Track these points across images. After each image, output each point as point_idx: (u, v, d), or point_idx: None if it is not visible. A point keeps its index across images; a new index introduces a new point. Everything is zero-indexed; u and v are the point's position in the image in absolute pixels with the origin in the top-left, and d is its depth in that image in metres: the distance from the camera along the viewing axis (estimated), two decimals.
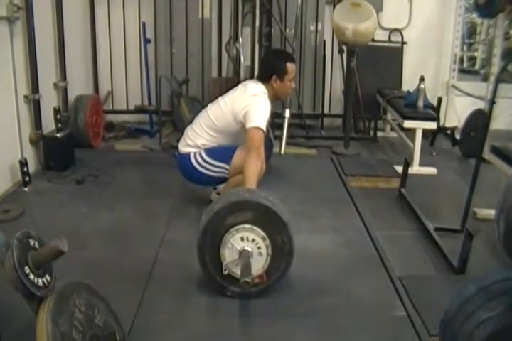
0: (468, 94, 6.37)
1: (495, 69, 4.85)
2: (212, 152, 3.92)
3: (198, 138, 3.93)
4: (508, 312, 1.96)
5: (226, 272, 2.90)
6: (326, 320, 2.85)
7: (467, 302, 2.03)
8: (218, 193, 4.18)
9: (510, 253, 2.78)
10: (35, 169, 4.89)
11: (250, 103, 3.78)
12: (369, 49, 6.06)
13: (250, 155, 3.62)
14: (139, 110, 6.41)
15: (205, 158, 3.91)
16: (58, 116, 5.01)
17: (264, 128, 3.71)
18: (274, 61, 4.04)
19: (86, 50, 6.37)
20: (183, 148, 4.00)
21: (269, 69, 3.96)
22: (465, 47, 10.41)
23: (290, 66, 3.99)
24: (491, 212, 3.70)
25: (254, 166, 3.59)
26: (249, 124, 3.68)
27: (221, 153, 3.92)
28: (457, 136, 5.97)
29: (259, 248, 2.88)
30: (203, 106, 4.26)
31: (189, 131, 4.03)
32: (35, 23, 4.71)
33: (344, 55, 6.37)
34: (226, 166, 3.89)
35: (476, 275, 3.18)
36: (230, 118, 3.84)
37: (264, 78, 3.95)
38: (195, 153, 3.94)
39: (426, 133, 5.52)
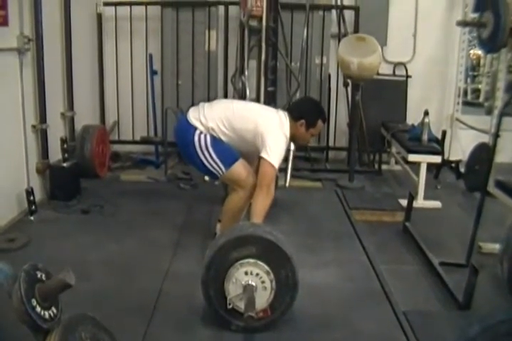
0: (473, 128, 6.40)
1: (499, 102, 4.88)
2: (217, 145, 3.81)
3: (210, 120, 3.82)
4: None
5: (230, 306, 2.90)
6: None
7: None
8: None
9: None
10: (41, 198, 4.91)
11: (277, 135, 3.76)
12: (374, 82, 6.10)
13: (260, 193, 3.63)
14: (144, 141, 6.46)
15: (208, 146, 3.79)
16: (65, 145, 5.06)
17: (277, 168, 3.71)
18: (312, 111, 4.04)
19: (93, 80, 6.45)
20: (194, 119, 3.86)
21: (303, 113, 3.94)
22: (469, 80, 10.46)
23: (320, 124, 4.02)
24: (496, 247, 3.71)
25: (262, 204, 3.60)
26: (266, 156, 3.64)
27: (225, 153, 3.82)
28: (462, 170, 5.99)
29: (263, 282, 2.87)
30: None
31: (206, 108, 3.92)
32: (44, 54, 4.78)
33: (349, 89, 6.42)
34: (223, 168, 3.79)
35: (481, 311, 3.19)
36: (251, 127, 3.78)
37: (294, 116, 3.92)
38: (200, 132, 3.81)
39: (430, 166, 5.55)
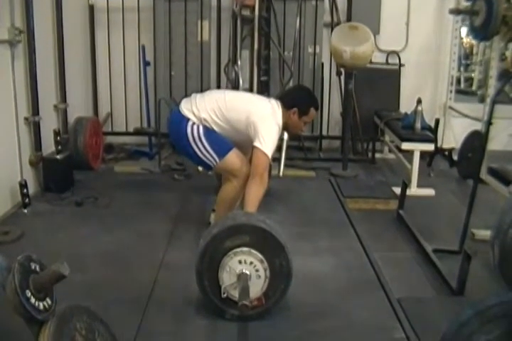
0: (466, 116, 6.41)
1: (491, 90, 4.89)
2: (210, 136, 3.82)
3: (203, 111, 3.82)
4: (504, 336, 1.97)
5: (225, 295, 2.91)
6: None
7: (464, 326, 2.04)
8: None
9: (505, 277, 2.80)
10: (35, 191, 4.91)
11: (270, 124, 3.76)
12: (367, 71, 6.11)
13: (253, 182, 3.63)
14: (138, 132, 6.44)
15: (201, 136, 3.80)
16: (58, 138, 5.03)
17: (270, 156, 3.70)
18: (304, 98, 4.04)
19: (86, 72, 6.44)
20: (186, 110, 3.86)
21: (295, 101, 3.94)
22: (462, 68, 10.45)
23: (313, 111, 4.01)
24: (489, 233, 3.72)
25: (255, 193, 3.61)
26: (259, 145, 3.65)
27: (218, 143, 3.83)
28: (455, 157, 6.00)
29: (257, 271, 2.88)
30: None
31: (198, 99, 3.92)
32: (36, 46, 4.76)
33: (342, 77, 6.41)
34: (216, 158, 3.80)
35: (474, 297, 3.20)
36: (243, 116, 3.78)
37: (286, 104, 3.91)
38: (193, 123, 3.82)
39: (424, 154, 5.56)
